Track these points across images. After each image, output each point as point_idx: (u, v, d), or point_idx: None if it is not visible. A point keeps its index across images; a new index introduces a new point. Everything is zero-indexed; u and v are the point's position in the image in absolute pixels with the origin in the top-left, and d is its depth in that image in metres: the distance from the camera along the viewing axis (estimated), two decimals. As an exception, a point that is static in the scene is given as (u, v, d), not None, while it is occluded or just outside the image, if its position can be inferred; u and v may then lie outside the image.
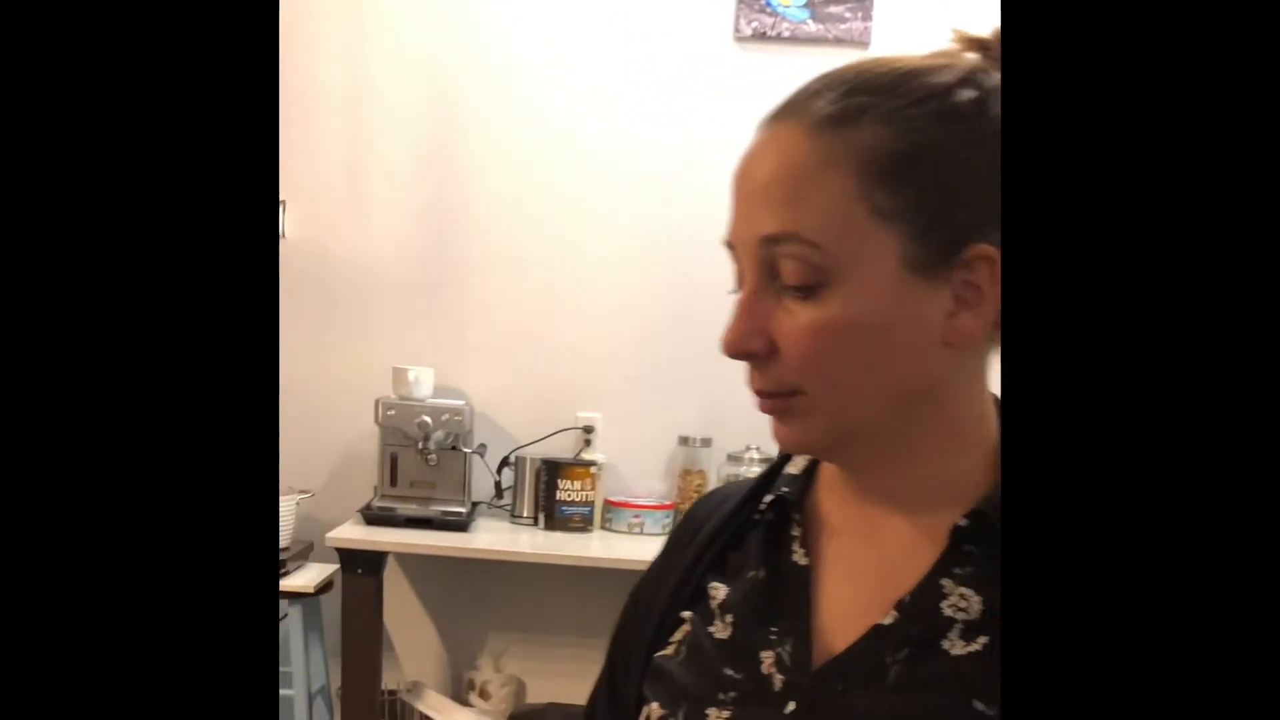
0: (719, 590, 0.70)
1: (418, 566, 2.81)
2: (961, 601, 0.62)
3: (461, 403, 2.58)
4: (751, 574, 0.70)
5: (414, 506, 2.54)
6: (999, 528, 0.60)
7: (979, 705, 0.58)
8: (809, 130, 0.60)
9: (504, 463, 2.67)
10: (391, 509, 2.53)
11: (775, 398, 0.63)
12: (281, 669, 2.67)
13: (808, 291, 0.60)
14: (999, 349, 0.64)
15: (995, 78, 0.61)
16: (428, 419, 2.51)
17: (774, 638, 0.66)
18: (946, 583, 0.62)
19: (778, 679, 0.64)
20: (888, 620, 0.63)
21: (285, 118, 2.94)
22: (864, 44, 2.71)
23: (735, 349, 0.62)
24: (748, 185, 0.62)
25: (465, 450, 2.57)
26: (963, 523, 0.62)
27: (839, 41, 2.70)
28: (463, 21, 2.76)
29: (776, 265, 0.60)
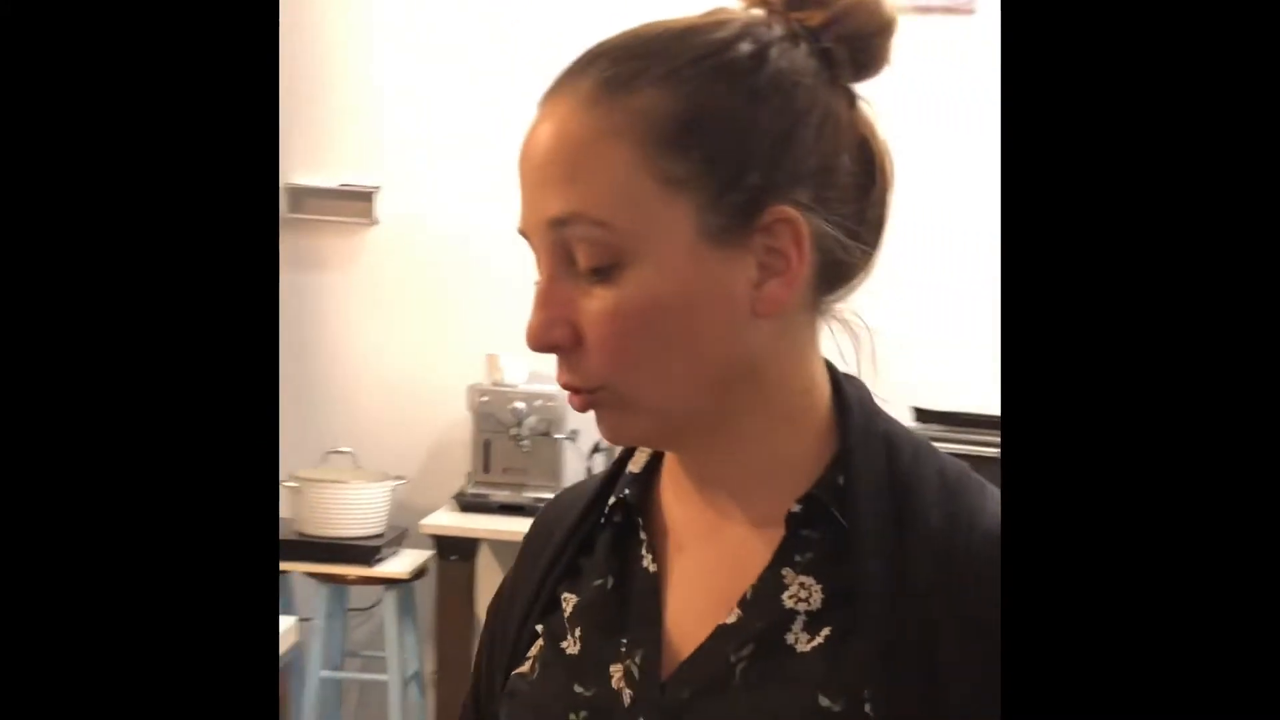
0: (569, 601, 0.67)
1: (510, 553, 2.81)
2: (802, 591, 0.59)
3: (555, 389, 2.57)
4: (599, 583, 0.66)
5: (507, 493, 2.55)
6: (834, 510, 0.59)
7: (824, 701, 0.56)
8: (584, 101, 0.56)
9: (595, 448, 2.67)
10: (485, 495, 2.54)
11: (585, 392, 0.59)
12: (376, 654, 2.70)
13: (603, 274, 0.56)
14: (824, 316, 0.62)
15: (776, 31, 0.58)
16: (521, 405, 2.52)
17: (624, 649, 0.62)
18: (787, 573, 0.60)
19: (627, 694, 0.61)
20: (730, 619, 0.60)
21: (378, 105, 2.99)
22: (969, 10, 2.64)
23: (538, 342, 0.58)
24: (528, 167, 0.58)
25: (558, 436, 2.57)
26: (796, 509, 0.60)
27: (947, 10, 2.63)
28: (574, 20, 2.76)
29: (570, 248, 0.56)
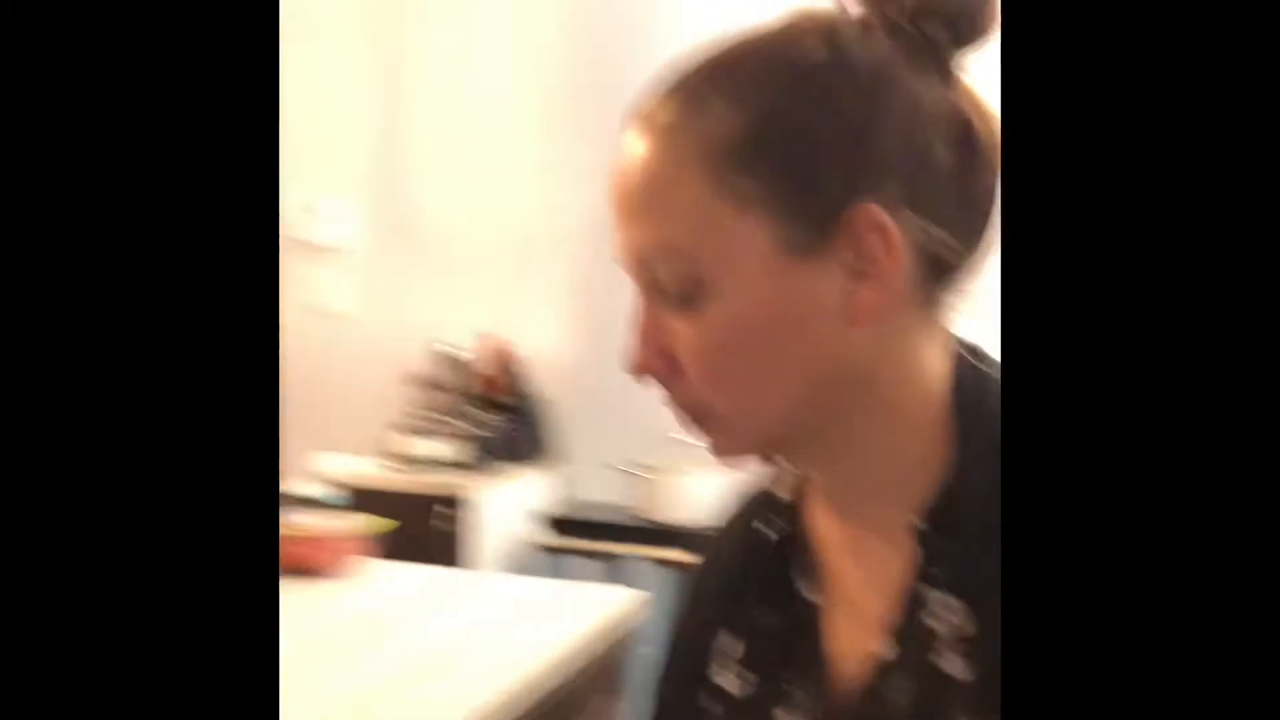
0: (733, 640, 0.66)
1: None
2: (945, 611, 0.57)
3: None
4: (761, 619, 0.65)
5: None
6: (960, 518, 0.56)
7: None
8: (654, 130, 0.56)
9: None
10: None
11: (689, 413, 0.59)
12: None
13: (691, 300, 0.55)
14: (940, 310, 0.59)
15: (852, 23, 0.56)
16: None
17: (787, 689, 0.62)
18: (926, 590, 0.58)
19: None
20: (888, 654, 0.58)
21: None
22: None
23: (636, 372, 0.58)
24: (615, 199, 0.58)
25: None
26: (923, 525, 0.58)
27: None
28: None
29: (658, 277, 0.56)
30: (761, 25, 0.57)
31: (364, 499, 2.22)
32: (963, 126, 0.56)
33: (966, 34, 0.56)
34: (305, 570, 1.64)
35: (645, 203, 0.56)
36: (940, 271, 0.57)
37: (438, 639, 1.38)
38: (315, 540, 1.65)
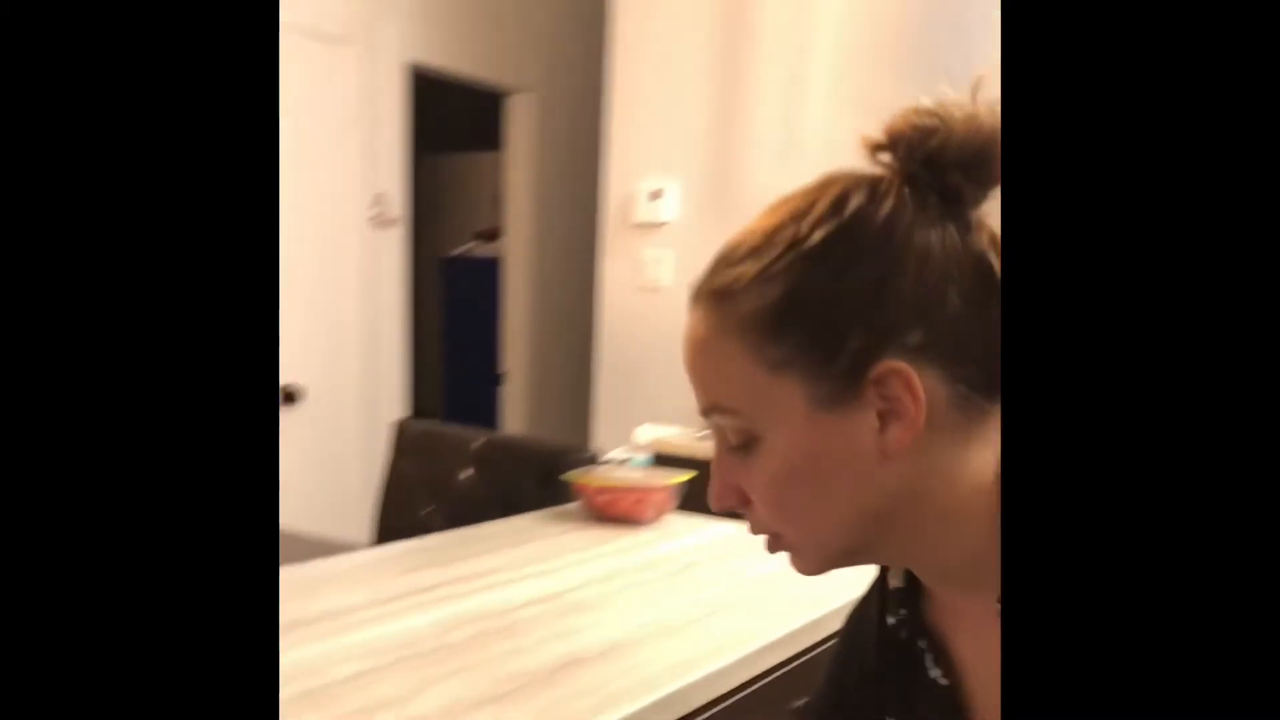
0: None
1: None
2: None
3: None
4: (899, 711, 0.70)
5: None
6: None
7: None
8: (705, 309, 0.65)
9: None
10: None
11: (767, 538, 0.67)
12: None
13: (747, 449, 0.64)
14: (984, 418, 0.62)
15: (873, 185, 0.62)
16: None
17: None
18: None
19: None
20: None
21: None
22: None
23: (716, 507, 0.67)
24: (685, 363, 0.67)
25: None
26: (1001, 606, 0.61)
27: None
28: None
29: (722, 429, 0.65)
30: (789, 201, 0.64)
31: (679, 467, 2.35)
32: (980, 267, 0.60)
33: (987, 179, 0.61)
34: (623, 519, 1.79)
35: (700, 368, 0.65)
36: (970, 394, 0.61)
37: (740, 580, 1.47)
38: (629, 491, 1.80)
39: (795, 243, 0.62)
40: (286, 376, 3.21)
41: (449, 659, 1.12)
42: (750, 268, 0.63)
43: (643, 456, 2.07)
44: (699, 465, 2.56)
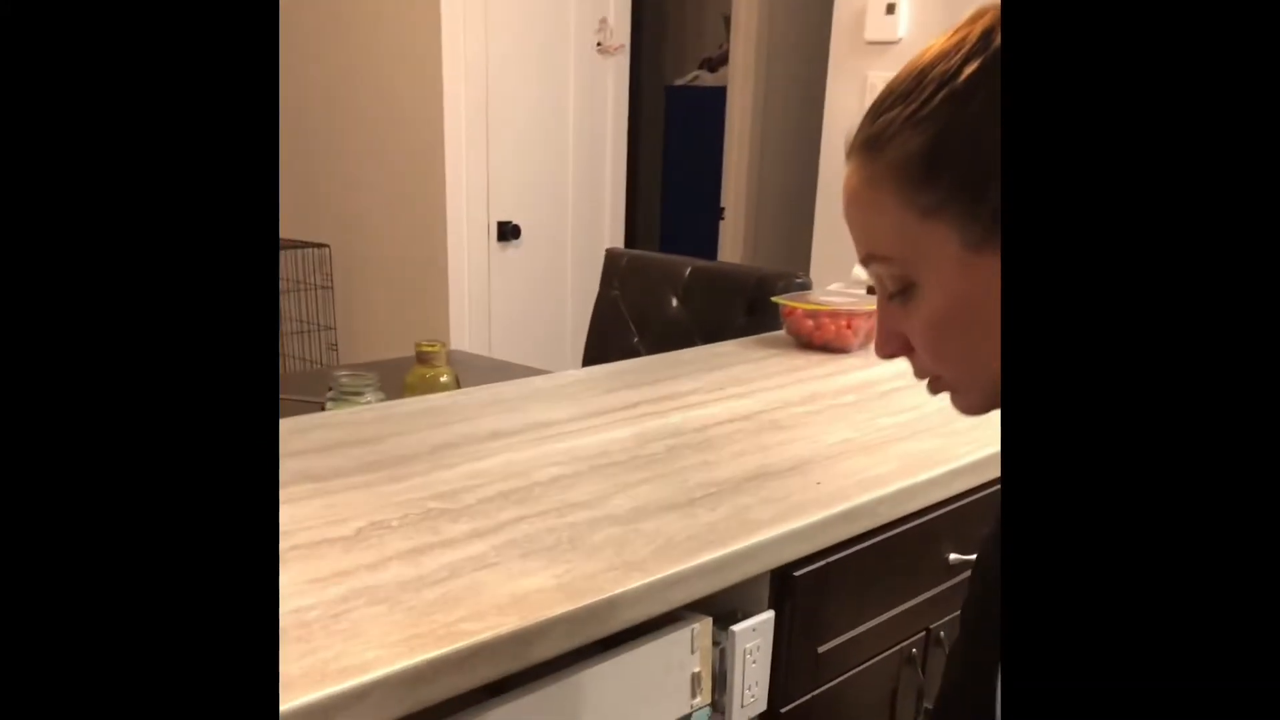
0: None
1: None
2: None
3: None
4: None
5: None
6: None
7: None
8: (857, 161, 0.66)
9: None
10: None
11: (929, 382, 0.69)
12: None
13: (904, 296, 0.65)
14: None
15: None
16: None
17: None
18: None
19: None
20: None
21: None
22: None
23: (880, 355, 0.70)
24: (844, 217, 0.68)
25: None
26: None
27: None
28: None
29: (880, 277, 0.67)
30: (928, 48, 0.64)
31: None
32: None
33: None
34: (829, 346, 1.78)
35: (855, 219, 0.67)
36: None
37: (940, 406, 1.45)
38: (836, 315, 1.78)
39: (944, 82, 0.61)
40: (505, 213, 3.32)
41: (642, 468, 1.16)
42: (899, 113, 0.63)
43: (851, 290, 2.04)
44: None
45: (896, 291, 0.66)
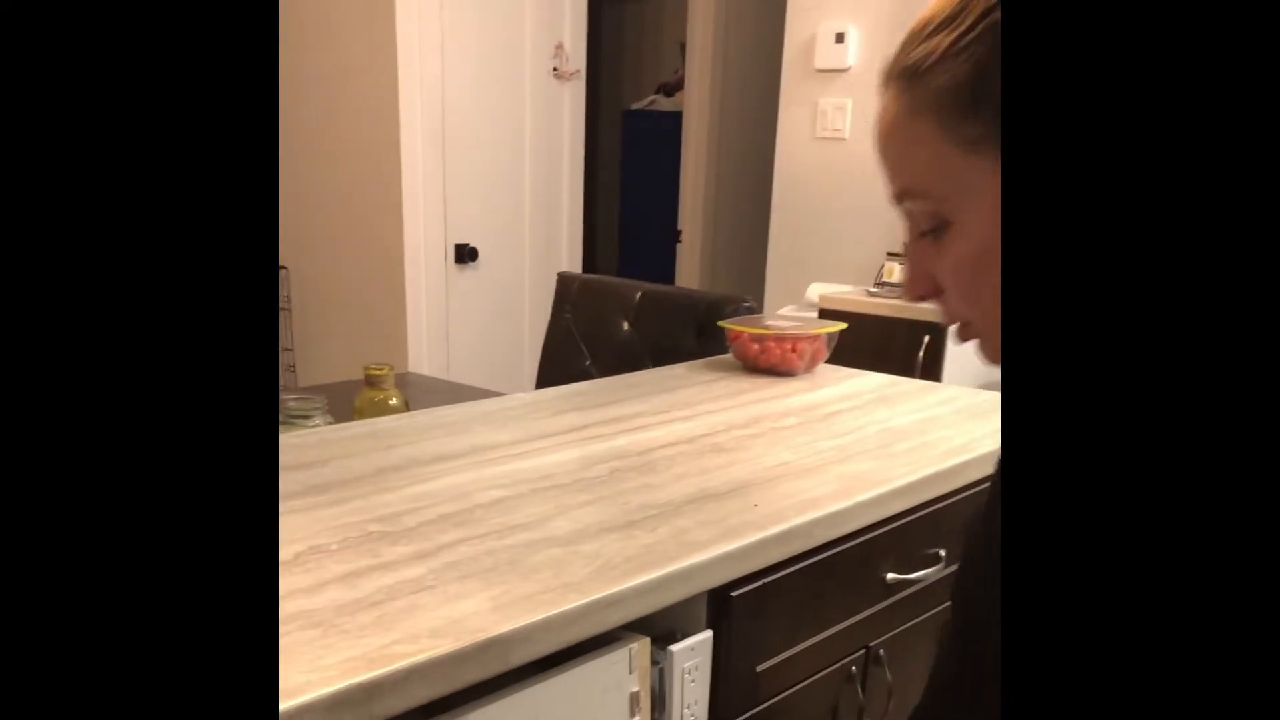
0: None
1: None
2: None
3: None
4: None
5: None
6: None
7: None
8: (895, 90, 0.63)
9: None
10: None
11: (958, 326, 0.66)
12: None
13: (938, 234, 0.63)
14: None
15: None
16: None
17: None
18: None
19: None
20: None
21: None
22: None
23: (909, 297, 0.67)
24: (875, 148, 0.66)
25: None
26: None
27: None
28: None
29: (912, 217, 0.64)
30: None
31: (853, 325, 2.33)
32: None
33: None
34: (775, 369, 1.81)
35: (891, 153, 0.64)
36: None
37: (881, 428, 1.48)
38: (781, 339, 1.81)
39: (989, 10, 0.58)
40: (462, 236, 3.33)
41: (585, 491, 1.18)
42: (943, 40, 0.60)
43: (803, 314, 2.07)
44: (871, 322, 2.57)
45: (929, 230, 0.63)
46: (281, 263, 3.67)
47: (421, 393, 2.13)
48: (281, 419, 1.56)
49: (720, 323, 1.90)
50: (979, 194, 0.60)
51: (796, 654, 1.20)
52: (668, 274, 4.18)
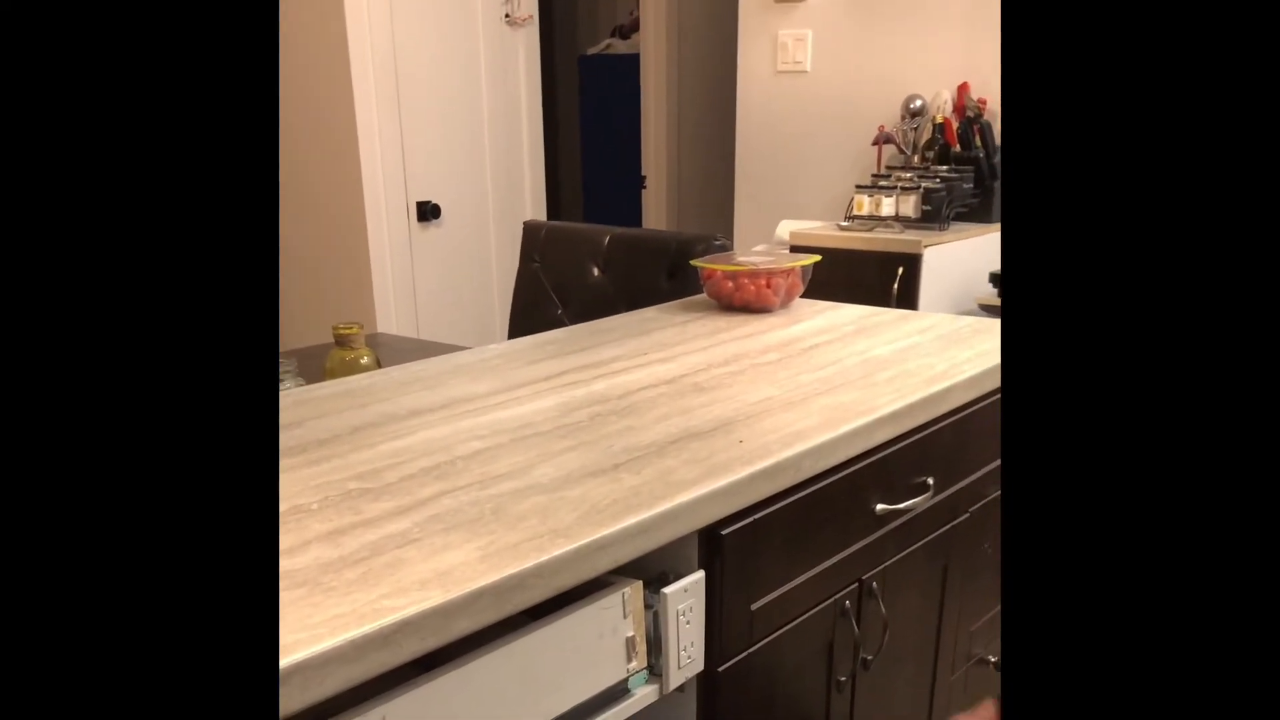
0: None
1: None
2: None
3: None
4: None
5: None
6: None
7: None
8: None
9: None
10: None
11: None
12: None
13: None
14: None
15: None
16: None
17: None
18: None
19: None
20: None
21: None
22: None
23: None
24: None
25: None
26: None
27: None
28: None
29: None
30: None
31: (826, 259, 2.31)
32: None
33: None
34: (750, 305, 1.79)
35: None
36: None
37: (862, 359, 1.46)
38: (755, 274, 1.79)
39: None
40: (423, 193, 3.27)
41: (566, 437, 1.15)
42: None
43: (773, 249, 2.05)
44: (844, 256, 2.56)
45: None
46: (241, 230, 3.59)
47: (392, 352, 2.10)
48: (251, 383, 1.53)
49: (693, 261, 1.88)
50: None
51: (790, 590, 1.19)
52: (634, 221, 4.14)
